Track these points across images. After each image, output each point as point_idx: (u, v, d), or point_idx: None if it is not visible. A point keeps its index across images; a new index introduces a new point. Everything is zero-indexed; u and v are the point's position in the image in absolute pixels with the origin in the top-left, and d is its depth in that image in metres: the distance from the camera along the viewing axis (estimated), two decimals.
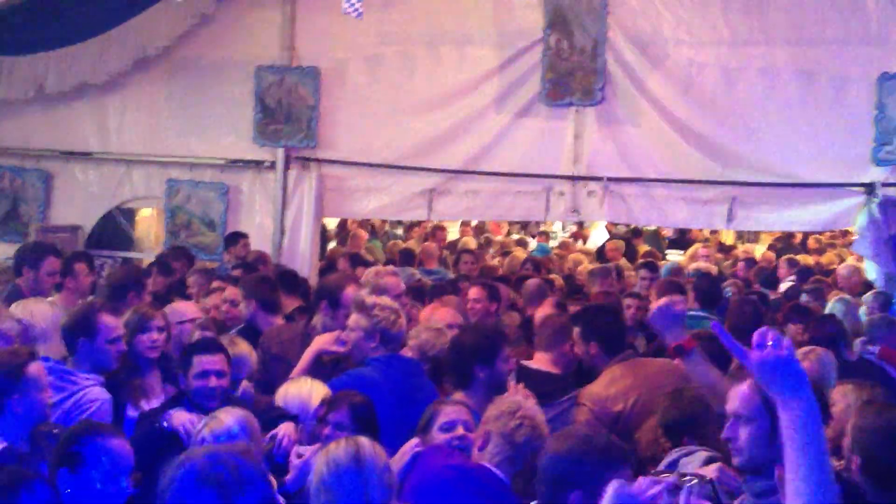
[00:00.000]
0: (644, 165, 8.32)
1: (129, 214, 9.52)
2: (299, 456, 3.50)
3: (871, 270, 7.86)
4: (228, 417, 3.27)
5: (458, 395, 4.15)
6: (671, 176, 8.23)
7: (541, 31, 8.36)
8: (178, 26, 8.85)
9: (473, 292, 6.57)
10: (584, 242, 12.49)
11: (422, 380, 4.55)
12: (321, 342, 4.65)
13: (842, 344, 5.65)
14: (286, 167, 8.86)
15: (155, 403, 4.22)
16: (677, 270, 8.86)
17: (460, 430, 3.53)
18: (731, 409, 2.95)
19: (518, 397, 3.69)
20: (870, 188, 7.70)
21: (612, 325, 4.78)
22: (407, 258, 9.50)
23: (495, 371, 4.22)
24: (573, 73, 8.34)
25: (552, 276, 8.50)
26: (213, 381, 3.88)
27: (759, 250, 11.62)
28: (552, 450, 2.79)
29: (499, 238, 12.99)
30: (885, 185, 7.68)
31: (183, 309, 5.08)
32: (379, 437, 3.88)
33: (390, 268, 6.24)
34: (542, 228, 13.45)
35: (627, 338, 5.28)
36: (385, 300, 4.72)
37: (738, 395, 2.94)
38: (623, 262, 10.21)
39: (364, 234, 10.69)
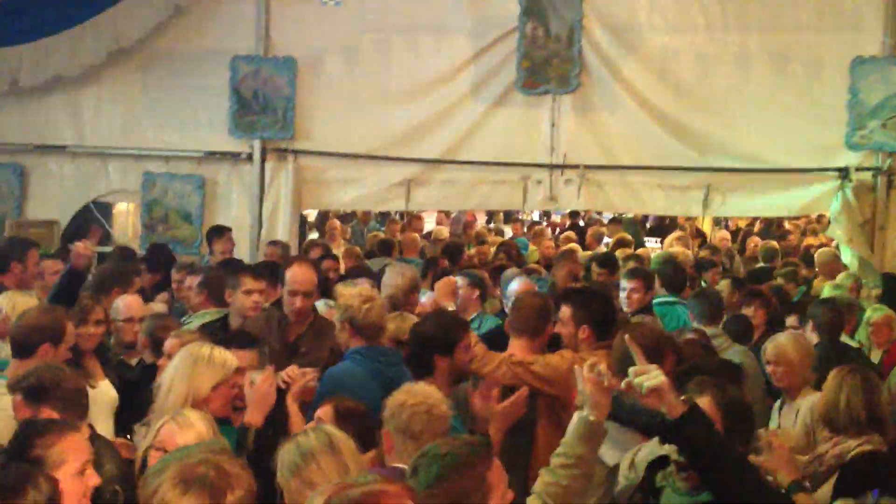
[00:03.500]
0: (620, 153, 8.36)
1: (106, 208, 9.44)
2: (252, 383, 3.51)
3: (846, 254, 7.91)
4: (194, 415, 3.22)
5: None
6: (647, 163, 8.28)
7: (516, 19, 8.37)
8: (152, 18, 8.77)
9: (461, 281, 6.53)
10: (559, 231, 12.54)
11: (401, 367, 4.46)
12: (294, 386, 4.35)
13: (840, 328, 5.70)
14: (263, 159, 8.82)
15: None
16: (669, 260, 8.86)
17: None
18: None
19: (407, 385, 3.48)
20: (844, 173, 7.75)
21: (608, 311, 4.68)
22: (385, 248, 9.48)
23: (455, 360, 4.17)
24: (549, 60, 8.35)
25: (534, 265, 8.49)
26: None
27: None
28: None
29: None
30: (858, 169, 7.73)
31: (124, 306, 5.08)
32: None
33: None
34: (519, 216, 13.46)
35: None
36: (356, 288, 4.62)
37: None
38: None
39: (338, 225, 10.65)
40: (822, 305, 5.82)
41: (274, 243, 8.33)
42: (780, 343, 4.67)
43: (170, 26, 8.89)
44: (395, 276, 5.89)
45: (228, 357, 3.73)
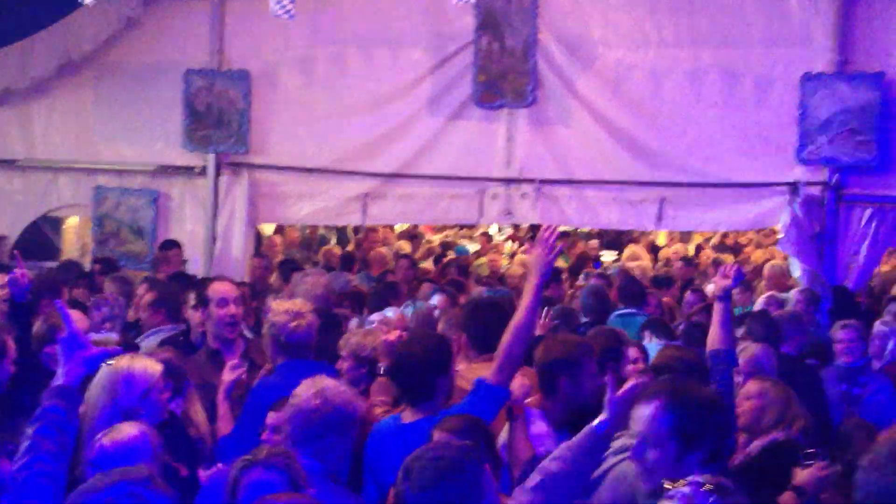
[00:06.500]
0: (576, 167, 8.38)
1: (55, 223, 9.30)
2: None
3: (796, 268, 8.00)
4: (131, 429, 3.17)
5: (408, 411, 3.88)
6: (602, 177, 8.31)
7: (472, 33, 8.37)
8: (104, 30, 8.68)
9: (438, 300, 6.50)
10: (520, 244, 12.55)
11: None
12: (223, 383, 4.41)
13: (777, 340, 5.73)
14: (217, 173, 8.74)
15: None
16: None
17: None
18: (636, 429, 2.86)
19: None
20: (794, 187, 7.84)
21: (492, 323, 4.37)
22: (347, 263, 9.41)
23: (451, 378, 4.04)
24: (505, 75, 8.37)
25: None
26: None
27: (690, 250, 11.79)
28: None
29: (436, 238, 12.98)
30: (808, 184, 7.83)
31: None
32: None
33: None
34: (480, 231, 13.46)
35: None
36: (286, 304, 4.50)
37: (644, 416, 2.84)
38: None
39: (279, 241, 10.57)
40: (758, 319, 5.89)
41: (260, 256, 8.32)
42: (753, 352, 4.81)
43: (122, 39, 8.81)
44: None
45: (149, 364, 3.67)
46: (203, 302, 4.85)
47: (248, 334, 5.68)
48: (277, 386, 4.13)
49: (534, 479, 3.01)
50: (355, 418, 3.35)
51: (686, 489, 2.26)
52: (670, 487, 2.31)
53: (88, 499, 2.22)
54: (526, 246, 12.18)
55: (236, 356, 4.59)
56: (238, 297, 4.85)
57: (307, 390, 3.32)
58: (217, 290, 4.82)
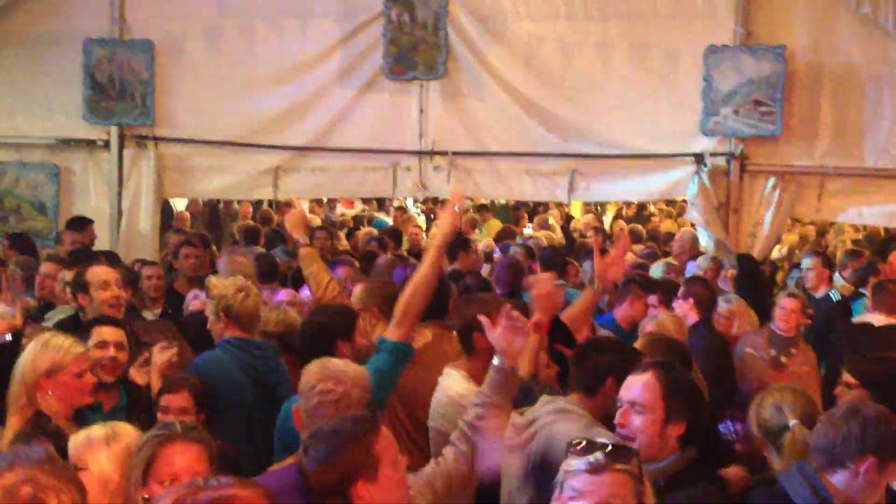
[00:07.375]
0: (488, 139, 8.39)
1: None
2: None
3: (703, 237, 8.19)
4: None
5: None
6: (514, 149, 8.33)
7: (381, 4, 8.27)
8: None
9: (343, 272, 6.46)
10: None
11: (275, 361, 4.50)
12: (156, 364, 4.40)
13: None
14: (121, 146, 8.47)
15: None
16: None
17: None
18: (626, 397, 3.00)
19: (325, 362, 3.38)
20: (700, 158, 8.00)
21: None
22: (252, 237, 9.27)
23: (355, 345, 4.20)
24: (416, 47, 8.30)
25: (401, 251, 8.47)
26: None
27: (606, 221, 12.00)
28: None
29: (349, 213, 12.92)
30: (713, 154, 8.00)
31: None
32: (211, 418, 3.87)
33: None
34: (396, 204, 13.42)
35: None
36: (229, 280, 4.62)
37: (636, 385, 3.00)
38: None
39: (187, 216, 10.37)
40: (700, 284, 5.96)
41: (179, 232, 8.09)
42: (661, 321, 4.87)
43: (18, 7, 8.45)
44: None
45: (69, 344, 3.56)
46: (82, 287, 4.74)
47: (150, 315, 5.58)
48: (220, 361, 4.27)
49: (458, 432, 3.15)
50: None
51: (591, 458, 2.36)
52: (576, 448, 2.43)
53: None
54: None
55: None
56: (119, 279, 4.78)
57: (323, 379, 3.20)
58: (96, 273, 4.75)
